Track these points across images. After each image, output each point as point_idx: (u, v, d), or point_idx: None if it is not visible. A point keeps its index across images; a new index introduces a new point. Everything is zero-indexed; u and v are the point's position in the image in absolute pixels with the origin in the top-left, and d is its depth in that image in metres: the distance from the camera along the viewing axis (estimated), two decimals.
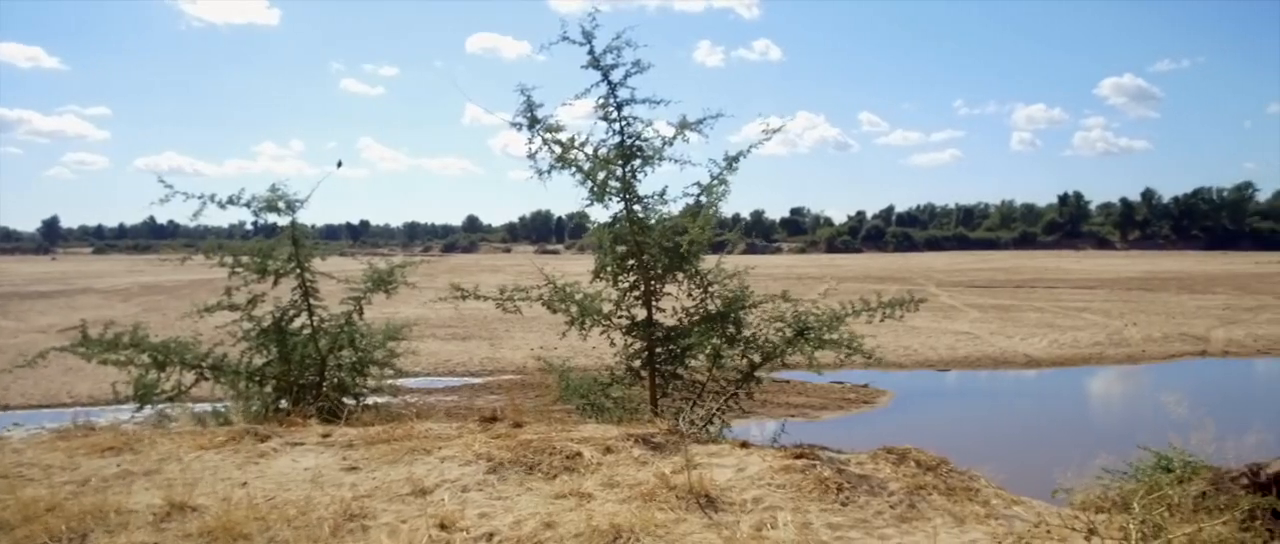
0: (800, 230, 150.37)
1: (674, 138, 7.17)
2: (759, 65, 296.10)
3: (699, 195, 7.35)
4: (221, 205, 7.49)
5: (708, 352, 7.29)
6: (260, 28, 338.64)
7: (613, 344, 7.50)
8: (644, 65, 7.01)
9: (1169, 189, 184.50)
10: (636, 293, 7.36)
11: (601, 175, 7.10)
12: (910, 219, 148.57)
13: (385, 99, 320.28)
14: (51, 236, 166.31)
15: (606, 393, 7.41)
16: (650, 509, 4.03)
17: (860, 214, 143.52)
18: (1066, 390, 21.10)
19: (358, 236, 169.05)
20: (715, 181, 7.33)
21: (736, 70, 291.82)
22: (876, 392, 19.11)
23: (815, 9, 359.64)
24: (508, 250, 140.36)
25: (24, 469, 4.90)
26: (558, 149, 7.17)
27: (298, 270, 7.70)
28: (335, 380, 7.87)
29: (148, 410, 7.31)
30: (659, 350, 7.36)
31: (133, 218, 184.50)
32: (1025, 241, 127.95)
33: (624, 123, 7.15)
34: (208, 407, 7.44)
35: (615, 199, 7.22)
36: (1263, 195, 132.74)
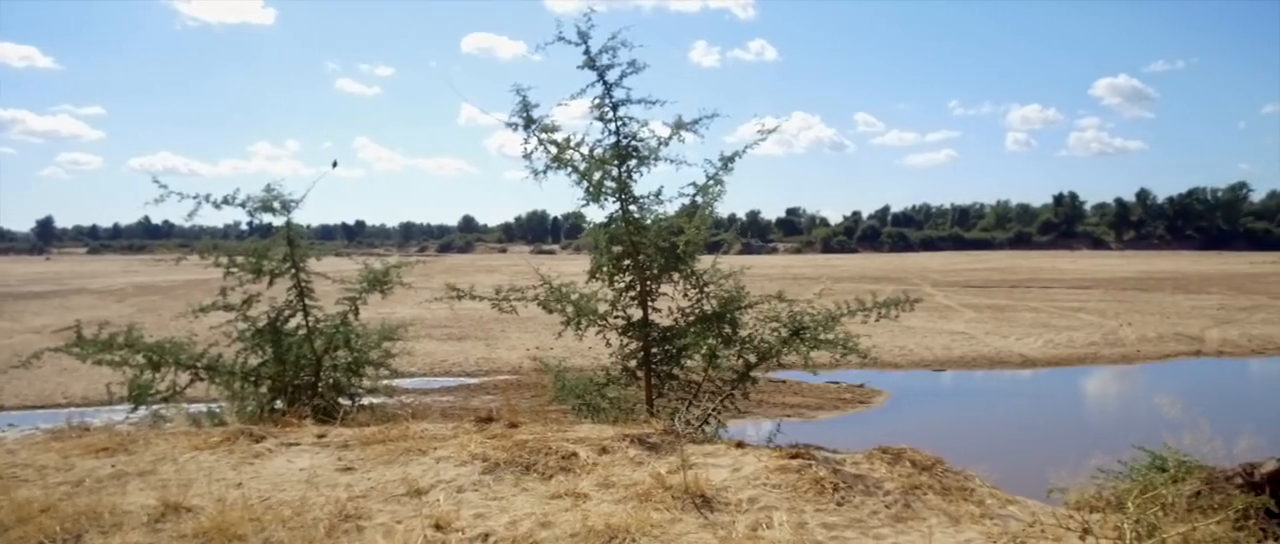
0: (796, 230, 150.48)
1: (670, 138, 7.18)
2: (755, 65, 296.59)
3: (695, 195, 7.36)
4: (216, 205, 7.48)
5: (703, 352, 7.29)
6: (255, 27, 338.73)
7: (608, 344, 7.50)
8: (640, 65, 7.03)
9: (1164, 189, 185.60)
10: (632, 293, 7.36)
11: (597, 175, 7.10)
12: (906, 219, 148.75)
13: (381, 99, 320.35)
14: (46, 237, 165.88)
15: (602, 393, 7.41)
16: (646, 509, 4.03)
17: (856, 214, 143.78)
18: (1061, 390, 21.15)
19: (353, 237, 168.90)
20: (711, 182, 7.34)
21: (732, 70, 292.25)
22: (872, 392, 19.14)
23: (811, 10, 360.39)
24: (504, 250, 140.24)
25: (18, 470, 4.88)
26: (553, 149, 7.17)
27: (293, 270, 7.69)
28: (330, 381, 7.86)
29: (142, 411, 7.30)
30: (655, 350, 7.36)
31: (127, 218, 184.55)
32: (1020, 242, 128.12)
33: (620, 123, 7.16)
34: (203, 407, 7.43)
35: (611, 199, 7.22)
36: (1257, 196, 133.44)
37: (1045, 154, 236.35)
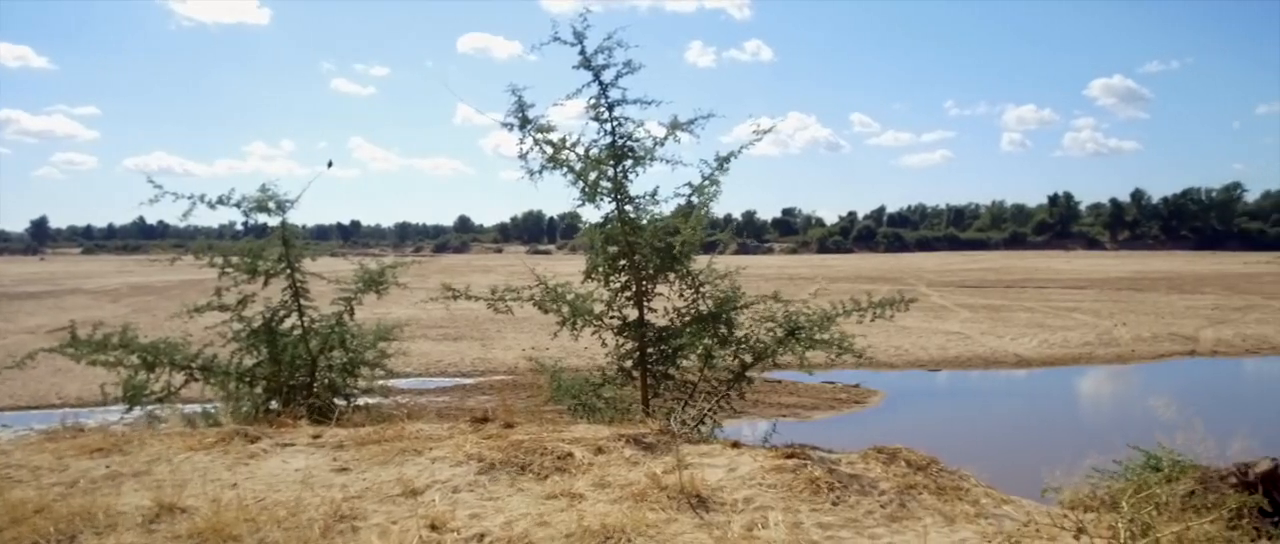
0: (792, 231, 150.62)
1: (665, 138, 7.19)
2: (750, 66, 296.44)
3: (690, 196, 7.37)
4: (211, 205, 7.47)
5: (699, 352, 7.29)
6: (250, 27, 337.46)
7: (604, 345, 7.50)
8: (635, 65, 7.03)
9: (1158, 190, 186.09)
10: (628, 293, 7.36)
11: (593, 176, 7.10)
12: (901, 219, 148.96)
13: (376, 99, 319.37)
14: (40, 237, 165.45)
15: (598, 393, 7.41)
16: (641, 509, 4.03)
17: (851, 215, 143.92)
18: (1056, 390, 21.19)
19: (349, 237, 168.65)
20: (707, 182, 7.34)
21: (728, 71, 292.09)
22: (868, 392, 19.16)
23: (807, 10, 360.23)
24: (499, 251, 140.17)
25: (12, 471, 4.87)
26: (549, 149, 7.17)
27: (288, 271, 7.68)
28: (326, 381, 7.85)
29: (137, 412, 7.28)
30: (650, 351, 7.36)
31: (122, 218, 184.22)
32: (1015, 242, 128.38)
33: (615, 123, 7.16)
34: (197, 408, 7.42)
35: (607, 199, 7.22)
36: (1251, 196, 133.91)
37: (1040, 154, 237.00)
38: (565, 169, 7.17)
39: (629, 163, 7.21)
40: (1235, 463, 4.77)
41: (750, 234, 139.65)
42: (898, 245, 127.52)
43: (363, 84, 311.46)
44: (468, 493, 4.39)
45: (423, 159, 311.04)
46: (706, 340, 7.26)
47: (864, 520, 4.02)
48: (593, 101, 7.10)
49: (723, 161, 7.36)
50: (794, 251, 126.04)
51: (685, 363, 7.45)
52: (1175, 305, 35.25)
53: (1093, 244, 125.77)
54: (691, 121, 7.18)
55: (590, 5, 7.05)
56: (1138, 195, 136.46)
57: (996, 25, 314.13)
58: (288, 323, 7.76)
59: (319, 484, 4.56)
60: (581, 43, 7.00)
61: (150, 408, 7.29)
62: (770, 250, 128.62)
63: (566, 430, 5.61)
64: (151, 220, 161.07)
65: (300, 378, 7.70)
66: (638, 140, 7.21)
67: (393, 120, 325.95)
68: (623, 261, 7.32)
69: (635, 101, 7.11)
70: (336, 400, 7.77)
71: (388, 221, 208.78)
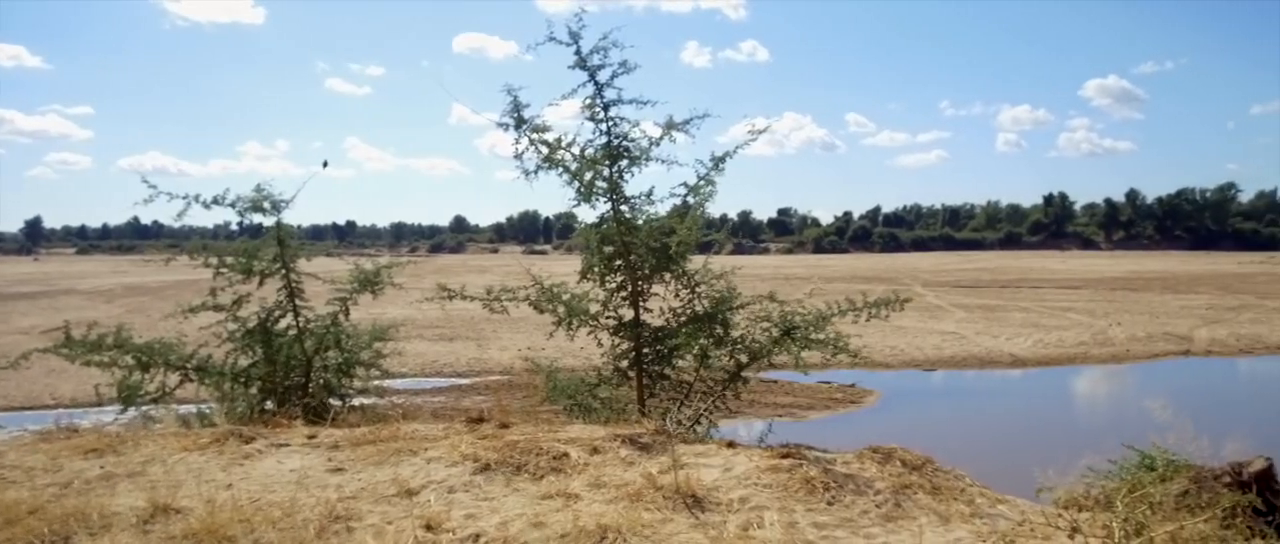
0: (787, 231, 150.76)
1: (661, 138, 7.20)
2: (746, 66, 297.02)
3: (686, 196, 7.37)
4: (206, 205, 7.46)
5: (695, 352, 7.29)
6: (245, 27, 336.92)
7: (600, 345, 7.50)
8: (631, 66, 7.05)
9: (1153, 190, 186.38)
10: (624, 293, 7.37)
11: (588, 176, 7.10)
12: (897, 220, 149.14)
13: (372, 99, 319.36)
14: (34, 237, 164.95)
15: (594, 393, 7.41)
16: (637, 509, 4.03)
17: (847, 215, 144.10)
18: (1051, 390, 21.22)
19: (344, 237, 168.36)
20: (702, 182, 7.35)
21: (723, 71, 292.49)
22: (863, 391, 19.17)
23: (802, 10, 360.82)
24: (495, 251, 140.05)
25: (6, 471, 4.86)
26: (545, 149, 7.17)
27: (283, 271, 7.67)
28: (321, 381, 7.84)
29: (132, 412, 7.26)
30: (646, 351, 7.36)
31: (116, 218, 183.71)
32: (1011, 242, 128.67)
33: (611, 123, 7.17)
34: (192, 408, 7.40)
35: (602, 199, 7.23)
36: (1245, 196, 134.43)
37: (1035, 155, 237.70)
38: (561, 169, 7.17)
39: (624, 163, 7.22)
40: (1229, 462, 4.78)
41: (746, 234, 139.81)
42: (893, 245, 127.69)
43: (358, 84, 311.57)
44: (463, 493, 4.38)
45: (418, 159, 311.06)
46: (702, 340, 7.26)
47: (859, 520, 4.02)
48: (588, 101, 7.11)
49: (718, 162, 7.37)
50: (790, 252, 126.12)
51: (681, 363, 7.45)
52: (1170, 305, 35.33)
53: (1087, 244, 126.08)
54: (687, 122, 7.19)
55: (585, 5, 7.07)
56: (1132, 195, 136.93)
57: (991, 26, 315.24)
58: (283, 323, 7.75)
59: (314, 485, 4.55)
60: (577, 43, 7.01)
61: (145, 408, 7.27)
62: (766, 250, 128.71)
63: (562, 430, 5.61)
64: (146, 220, 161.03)
65: (295, 378, 7.69)
66: (633, 140, 7.23)
67: (388, 120, 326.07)
68: (618, 262, 7.33)
69: (631, 102, 7.13)
70: (332, 401, 7.76)
71: (383, 221, 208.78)
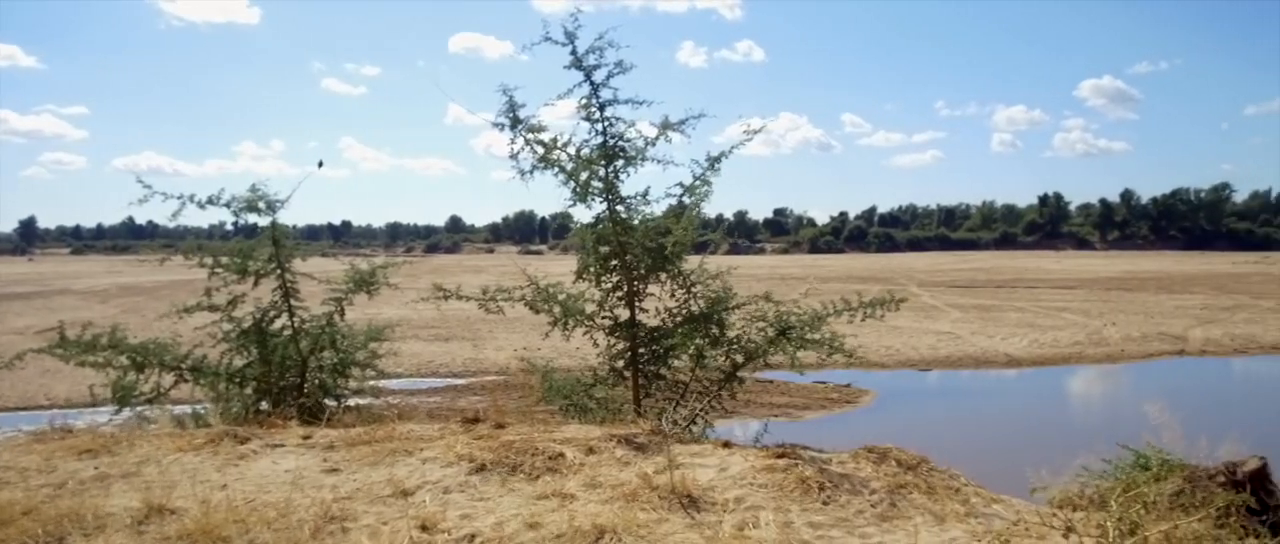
0: (783, 231, 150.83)
1: (657, 138, 7.19)
2: (742, 66, 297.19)
3: (682, 196, 7.37)
4: (201, 206, 7.44)
5: (691, 352, 7.30)
6: (241, 27, 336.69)
7: (596, 345, 7.50)
8: (627, 66, 7.03)
9: (1147, 190, 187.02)
10: (619, 293, 7.36)
11: (584, 176, 7.10)
12: (892, 220, 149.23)
13: (367, 99, 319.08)
14: (28, 237, 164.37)
15: (589, 393, 7.41)
16: (633, 509, 4.03)
17: (843, 215, 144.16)
18: (1046, 390, 21.27)
19: (339, 237, 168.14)
20: (698, 182, 7.34)
21: (719, 71, 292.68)
22: (859, 391, 19.20)
23: (798, 10, 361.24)
24: (491, 251, 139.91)
25: (0, 472, 4.84)
26: (540, 149, 7.16)
27: (278, 271, 7.66)
28: (316, 382, 7.83)
29: (126, 413, 7.25)
30: (642, 351, 7.36)
31: (111, 218, 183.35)
32: (1006, 242, 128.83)
33: (607, 123, 7.16)
34: (187, 409, 7.38)
35: (598, 200, 7.22)
36: (1239, 196, 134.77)
37: (1030, 155, 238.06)
38: (557, 169, 7.16)
39: (620, 163, 7.21)
40: (1223, 462, 4.80)
41: (742, 234, 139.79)
42: (889, 245, 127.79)
43: (354, 84, 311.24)
44: (459, 494, 4.38)
45: (414, 159, 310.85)
46: (698, 340, 7.27)
47: (855, 520, 4.03)
48: (584, 102, 7.10)
49: (714, 162, 7.37)
50: (786, 252, 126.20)
51: (677, 363, 7.45)
52: (1164, 305, 35.42)
53: (1082, 244, 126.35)
54: (683, 122, 7.19)
55: (581, 5, 7.05)
56: (1127, 196, 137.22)
57: (987, 26, 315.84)
58: (278, 323, 7.73)
59: (309, 485, 4.55)
60: (572, 43, 7.00)
61: (139, 409, 7.26)
62: (762, 250, 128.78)
63: (558, 431, 5.61)
64: (141, 220, 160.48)
65: (290, 379, 7.68)
66: (629, 140, 7.22)
67: (384, 120, 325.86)
68: (614, 262, 7.32)
69: (627, 102, 7.11)
70: (327, 401, 7.75)
71: (379, 222, 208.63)
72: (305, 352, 7.63)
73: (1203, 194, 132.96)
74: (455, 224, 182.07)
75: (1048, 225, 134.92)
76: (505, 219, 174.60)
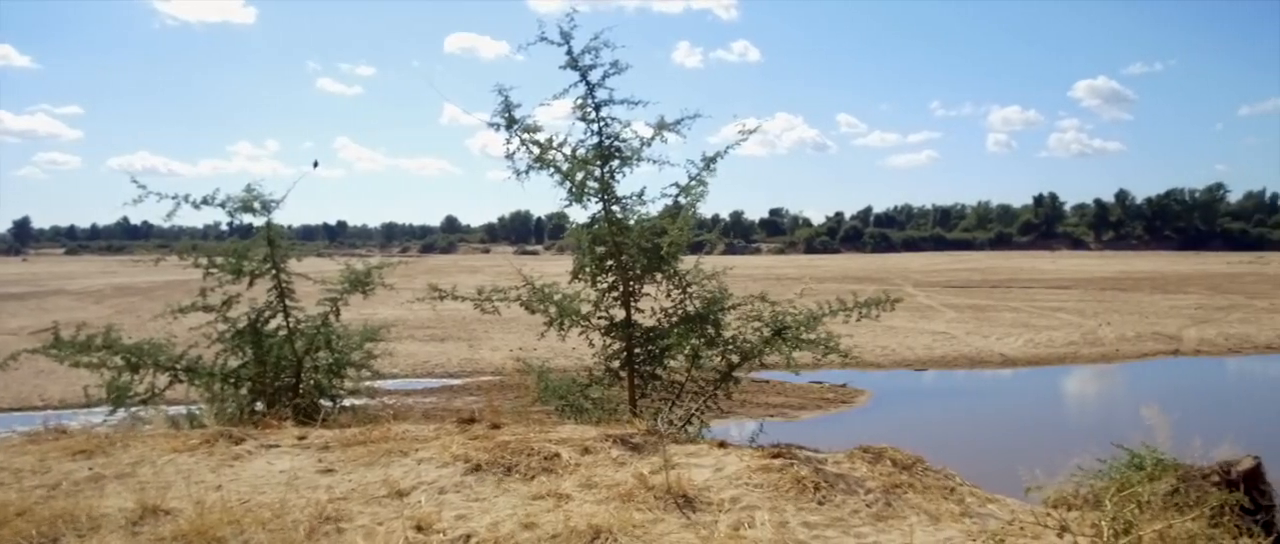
0: (779, 231, 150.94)
1: (652, 138, 7.19)
2: (738, 66, 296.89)
3: (677, 196, 7.37)
4: (196, 206, 7.42)
5: (686, 352, 7.29)
6: (236, 26, 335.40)
7: (591, 345, 7.49)
8: (622, 66, 7.03)
9: (1142, 190, 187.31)
10: (615, 294, 7.36)
11: (580, 176, 7.10)
12: (888, 220, 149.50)
13: (362, 99, 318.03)
14: (22, 237, 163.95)
15: (585, 394, 7.40)
16: (628, 509, 4.03)
17: (838, 215, 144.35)
18: (1041, 389, 21.32)
19: (335, 237, 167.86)
20: (693, 182, 7.35)
21: (715, 71, 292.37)
22: (854, 391, 19.23)
23: (793, 11, 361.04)
24: (486, 251, 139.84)
25: None
26: (536, 149, 7.16)
27: (273, 271, 7.65)
28: (311, 382, 7.81)
29: (121, 413, 7.23)
30: (638, 351, 7.36)
31: (106, 218, 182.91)
32: (1001, 242, 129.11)
33: (602, 123, 7.16)
34: (182, 409, 7.36)
35: (594, 200, 7.22)
36: (1234, 196, 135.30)
37: (1025, 155, 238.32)
38: (552, 169, 7.16)
39: (616, 163, 7.21)
40: (1218, 461, 4.81)
41: (737, 234, 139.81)
42: (884, 245, 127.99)
43: (349, 84, 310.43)
44: (454, 494, 4.38)
45: (409, 159, 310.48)
46: (694, 340, 7.26)
47: (850, 519, 4.03)
48: (580, 102, 7.10)
49: (710, 162, 7.38)
50: (781, 252, 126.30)
51: (672, 363, 7.45)
52: (1159, 305, 35.50)
53: (1077, 244, 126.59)
54: (678, 122, 7.19)
55: (577, 5, 7.05)
56: (1122, 196, 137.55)
57: (982, 26, 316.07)
58: (273, 324, 7.72)
59: (304, 486, 4.54)
60: (568, 43, 7.00)
61: (134, 410, 7.24)
62: (758, 250, 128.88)
63: (553, 431, 5.60)
64: (135, 221, 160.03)
65: (285, 379, 7.66)
66: (625, 140, 7.22)
67: (379, 120, 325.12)
68: (610, 262, 7.32)
69: (622, 102, 7.11)
70: (322, 401, 7.74)
71: (374, 222, 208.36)
72: (300, 352, 7.62)
73: (1197, 194, 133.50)
74: (451, 224, 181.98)
75: (1043, 225, 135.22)
76: (501, 219, 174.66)
